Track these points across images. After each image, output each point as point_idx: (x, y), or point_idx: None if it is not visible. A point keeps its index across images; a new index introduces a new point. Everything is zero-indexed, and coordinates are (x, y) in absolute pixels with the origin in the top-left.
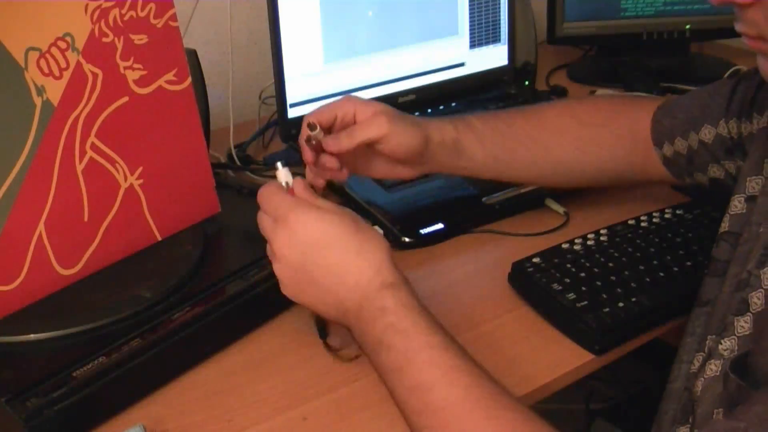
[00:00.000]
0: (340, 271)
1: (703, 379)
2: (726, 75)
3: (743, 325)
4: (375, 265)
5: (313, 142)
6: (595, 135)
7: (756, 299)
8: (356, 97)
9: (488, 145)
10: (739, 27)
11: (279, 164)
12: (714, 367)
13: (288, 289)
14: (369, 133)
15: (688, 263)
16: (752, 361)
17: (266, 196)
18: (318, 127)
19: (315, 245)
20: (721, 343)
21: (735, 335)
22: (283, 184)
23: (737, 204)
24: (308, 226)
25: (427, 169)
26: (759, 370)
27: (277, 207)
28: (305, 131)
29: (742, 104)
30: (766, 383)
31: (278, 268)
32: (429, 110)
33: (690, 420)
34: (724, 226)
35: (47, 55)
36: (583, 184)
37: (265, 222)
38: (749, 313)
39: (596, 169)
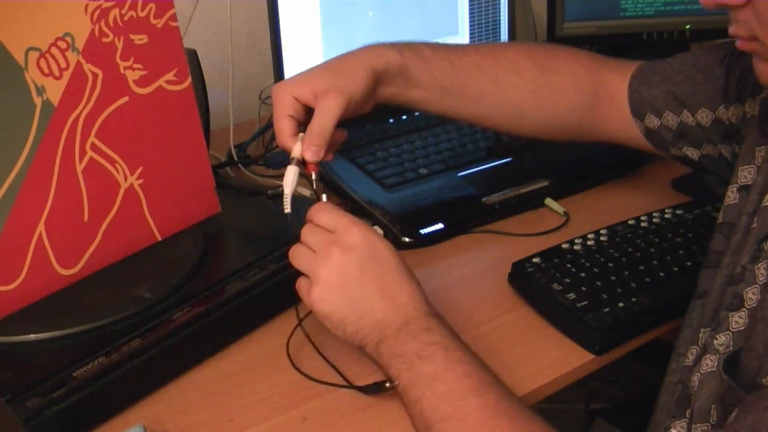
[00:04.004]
0: (395, 288)
1: (699, 373)
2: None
3: (738, 320)
4: (422, 295)
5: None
6: (554, 82)
7: (751, 294)
8: (294, 85)
9: (436, 74)
10: (732, 29)
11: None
12: (710, 362)
13: (328, 298)
14: (333, 116)
15: (688, 263)
16: (743, 357)
17: (326, 209)
18: (298, 152)
19: (377, 258)
20: (716, 338)
21: (730, 330)
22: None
23: (730, 194)
24: (377, 242)
25: (379, 99)
26: (748, 369)
27: (341, 218)
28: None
29: (737, 88)
30: (756, 387)
31: (328, 273)
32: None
33: (687, 414)
34: (720, 217)
35: (47, 55)
36: (534, 132)
37: (320, 233)
38: (744, 309)
39: (550, 118)
